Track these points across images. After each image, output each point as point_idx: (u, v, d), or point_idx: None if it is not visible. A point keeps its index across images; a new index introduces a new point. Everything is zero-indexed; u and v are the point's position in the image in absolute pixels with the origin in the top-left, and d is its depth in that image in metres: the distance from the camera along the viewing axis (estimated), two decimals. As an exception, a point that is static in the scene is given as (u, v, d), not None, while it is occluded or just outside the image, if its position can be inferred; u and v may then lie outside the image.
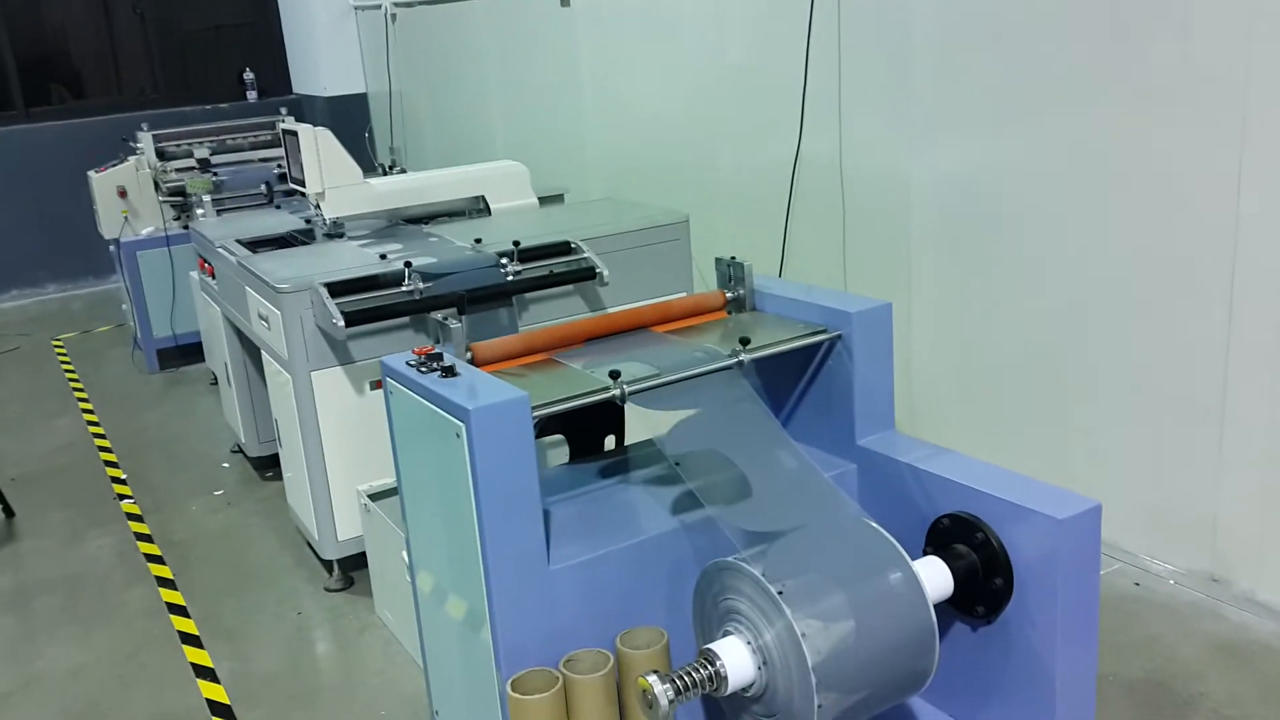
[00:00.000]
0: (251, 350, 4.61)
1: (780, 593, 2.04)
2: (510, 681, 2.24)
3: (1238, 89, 3.14)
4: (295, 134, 4.20)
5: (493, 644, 2.29)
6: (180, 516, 4.79)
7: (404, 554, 2.76)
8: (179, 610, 4.00)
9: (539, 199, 4.84)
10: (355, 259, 3.93)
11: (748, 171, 5.18)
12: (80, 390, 6.68)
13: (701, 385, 2.47)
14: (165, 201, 6.45)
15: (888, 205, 4.41)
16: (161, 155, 6.73)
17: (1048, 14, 3.63)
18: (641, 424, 2.80)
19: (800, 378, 2.77)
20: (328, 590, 4.02)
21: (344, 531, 3.88)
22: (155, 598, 4.10)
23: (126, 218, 6.54)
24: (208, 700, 3.43)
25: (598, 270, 3.88)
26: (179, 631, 3.85)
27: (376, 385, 3.72)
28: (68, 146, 8.96)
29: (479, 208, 4.76)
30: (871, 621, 2.09)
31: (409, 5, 8.49)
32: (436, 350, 2.45)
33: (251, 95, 10.05)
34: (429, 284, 3.65)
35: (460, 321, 2.53)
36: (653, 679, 2.00)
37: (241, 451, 5.22)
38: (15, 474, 5.42)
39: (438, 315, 2.57)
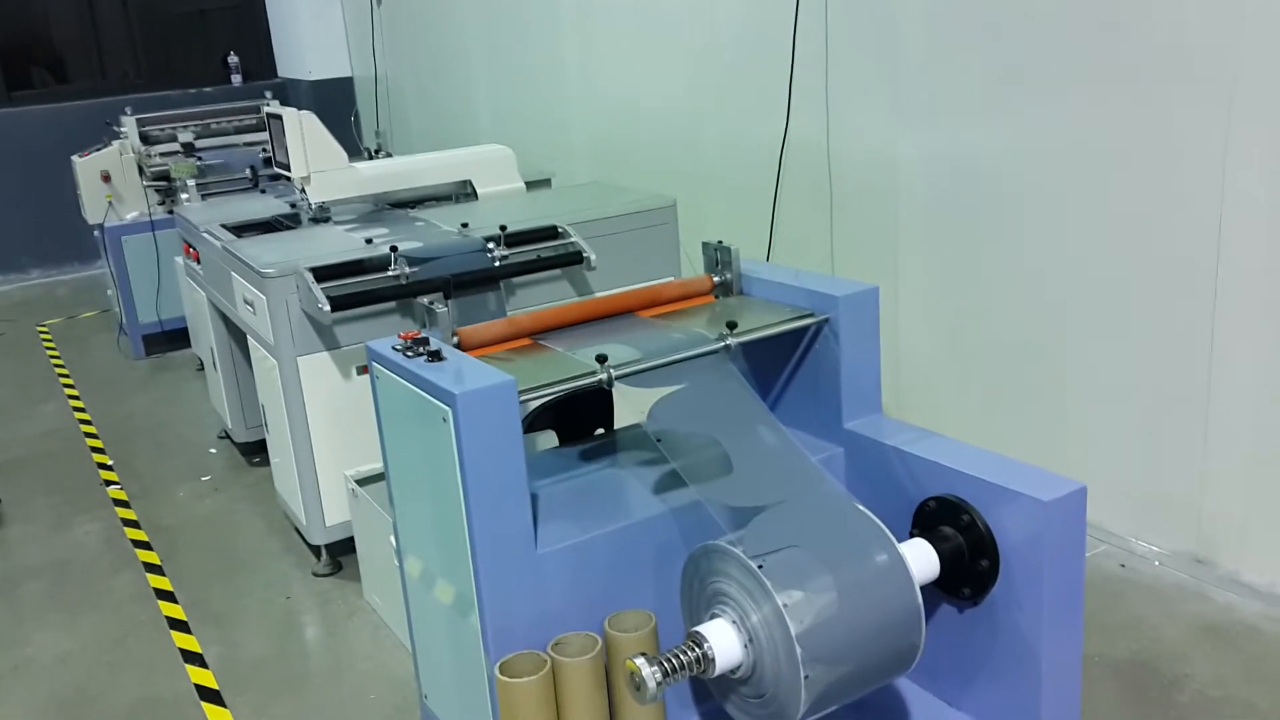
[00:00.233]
0: (238, 335, 4.59)
1: (760, 566, 2.05)
2: (499, 665, 2.25)
3: (1226, 73, 3.14)
4: (280, 118, 4.17)
5: (481, 628, 2.29)
6: (167, 502, 4.78)
7: (392, 539, 2.77)
8: (167, 596, 3.99)
9: (525, 183, 4.83)
10: (341, 243, 3.92)
11: (735, 155, 5.17)
12: (66, 376, 6.65)
13: (689, 369, 2.48)
14: (149, 186, 6.41)
15: (875, 188, 4.41)
16: (145, 139, 6.69)
17: (1035, -4, 3.63)
18: (632, 414, 2.80)
19: (787, 362, 2.77)
20: (316, 575, 4.02)
21: (332, 517, 3.87)
22: (143, 583, 4.10)
23: (110, 202, 6.51)
24: (196, 685, 3.43)
25: (585, 255, 3.88)
26: (167, 617, 3.84)
27: (363, 370, 3.71)
28: (51, 131, 8.90)
29: (466, 192, 4.75)
30: (857, 601, 2.10)
31: (394, -12, 8.45)
32: (422, 335, 2.45)
33: (236, 79, 9.99)
34: (415, 268, 3.63)
35: (446, 306, 2.53)
36: (641, 661, 2.00)
37: (228, 437, 5.21)
38: (1, 460, 5.39)
39: (424, 300, 2.58)
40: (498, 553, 2.25)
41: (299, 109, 4.22)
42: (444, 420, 2.21)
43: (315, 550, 4.04)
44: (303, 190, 4.30)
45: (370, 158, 5.42)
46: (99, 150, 6.58)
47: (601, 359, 2.38)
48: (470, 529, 2.23)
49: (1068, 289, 3.74)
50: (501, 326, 2.62)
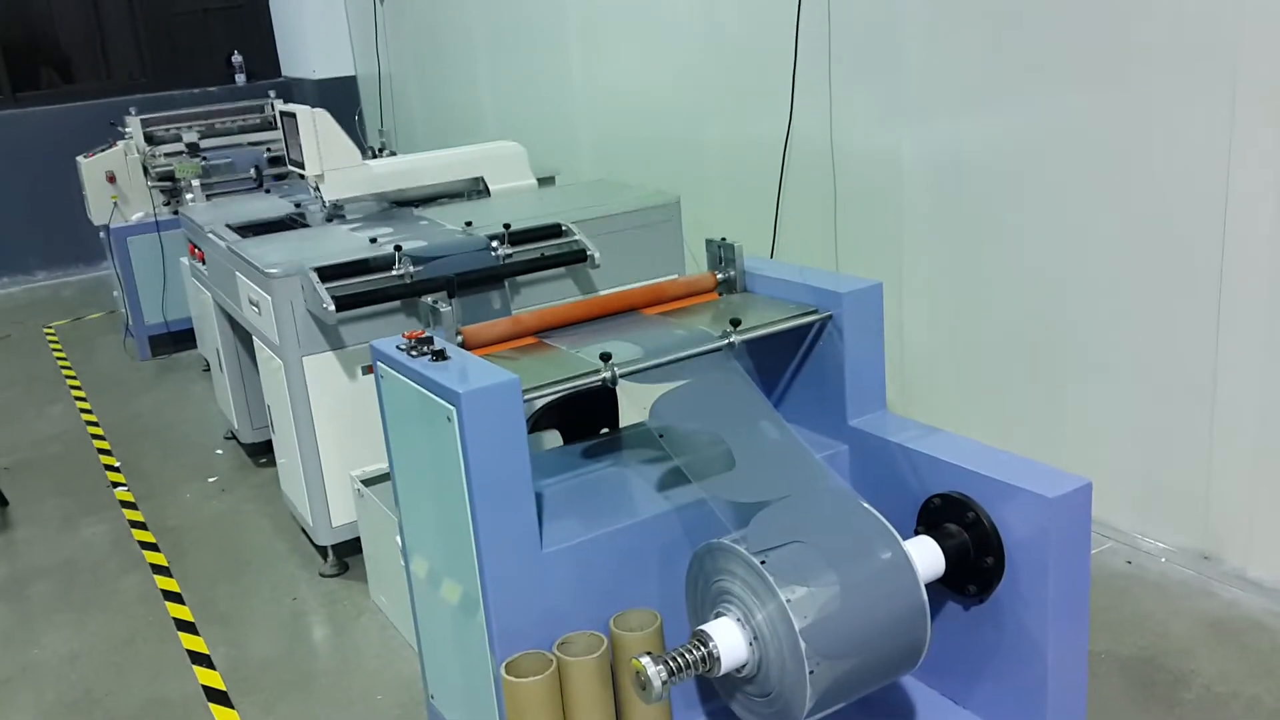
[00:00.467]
0: (243, 336, 4.60)
1: (763, 562, 2.05)
2: (505, 664, 2.25)
3: (1228, 66, 3.13)
4: (294, 116, 4.18)
5: (487, 627, 2.29)
6: (174, 503, 4.79)
7: (398, 539, 2.77)
8: (174, 597, 4.00)
9: (532, 180, 4.83)
10: (345, 243, 3.92)
11: (739, 152, 5.17)
12: (73, 378, 6.66)
13: (693, 367, 2.47)
14: (154, 186, 6.42)
15: (879, 185, 4.41)
16: (150, 140, 6.70)
17: (1038, -9, 3.62)
18: (636, 413, 2.80)
19: (792, 359, 2.77)
20: (322, 576, 4.02)
21: (338, 517, 3.88)
22: (150, 584, 4.10)
23: (116, 203, 6.52)
24: (203, 686, 3.43)
25: (589, 253, 3.88)
26: (174, 618, 3.85)
27: (368, 370, 3.71)
28: (55, 132, 8.91)
29: (478, 189, 4.76)
30: (861, 598, 2.10)
31: (398, -13, 8.45)
32: (427, 334, 2.45)
33: (240, 79, 10.00)
34: (419, 268, 3.64)
35: (451, 305, 2.53)
36: (646, 661, 2.00)
37: (235, 438, 5.22)
38: (9, 462, 5.41)
39: (428, 299, 2.57)
40: (503, 552, 2.25)
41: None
42: (448, 419, 2.21)
43: (322, 551, 4.05)
44: (316, 188, 4.31)
45: (374, 156, 5.42)
46: (104, 151, 6.60)
47: (605, 357, 2.37)
48: (475, 528, 2.23)
49: (1072, 284, 3.73)
50: (506, 325, 2.63)
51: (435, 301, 2.55)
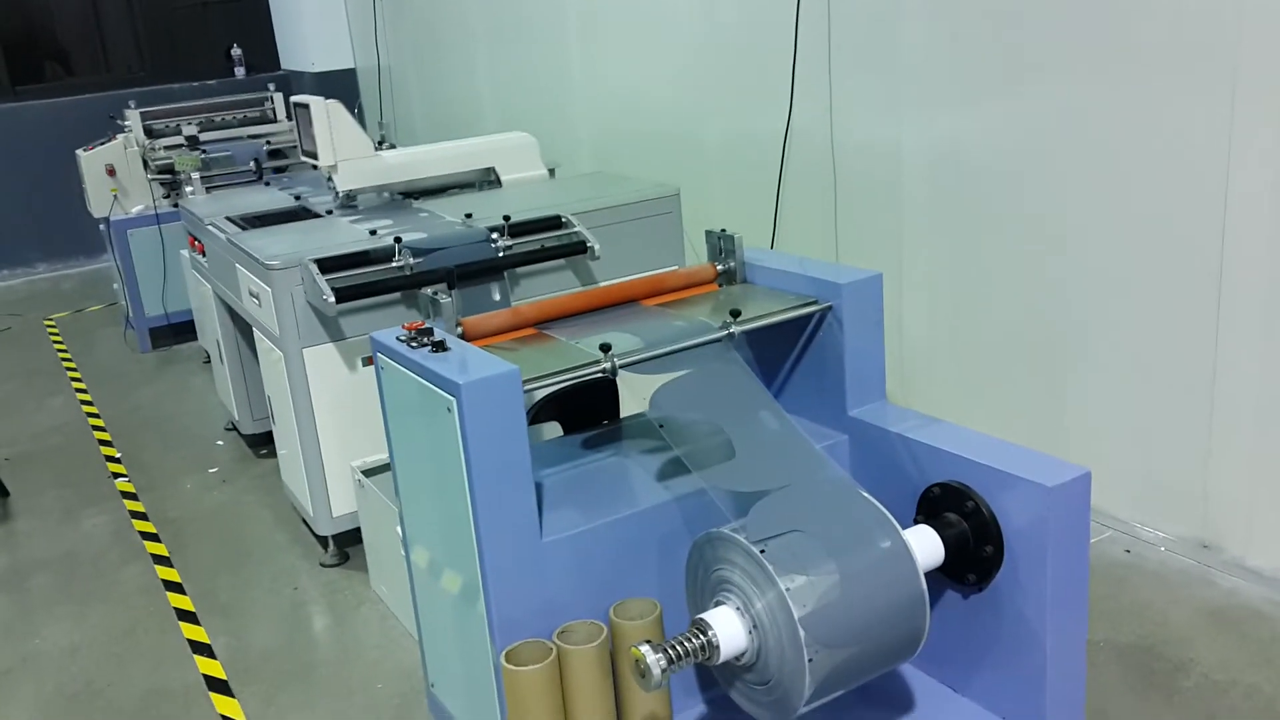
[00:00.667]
0: (243, 328, 4.60)
1: (763, 551, 2.05)
2: (505, 653, 2.26)
3: (1229, 59, 3.13)
4: (308, 107, 4.19)
5: (487, 616, 2.30)
6: (175, 494, 4.80)
7: (398, 529, 2.77)
8: (175, 587, 4.01)
9: (530, 173, 4.84)
10: (345, 235, 3.92)
11: (739, 143, 5.17)
12: (73, 370, 6.67)
13: (693, 358, 2.48)
14: (154, 179, 6.42)
15: (879, 176, 4.41)
16: (149, 133, 6.70)
17: (1038, -18, 3.62)
18: (636, 404, 2.80)
19: (792, 350, 2.77)
20: (323, 566, 4.03)
21: (338, 507, 3.88)
22: (151, 575, 4.11)
23: (116, 196, 6.52)
24: (204, 676, 3.44)
25: (589, 244, 3.88)
26: (175, 608, 3.86)
27: (368, 361, 3.72)
28: (55, 125, 8.91)
29: (489, 180, 4.76)
30: (861, 586, 2.10)
31: (397, -21, 8.44)
32: (427, 325, 2.45)
33: (239, 72, 9.99)
34: (419, 259, 3.64)
35: (451, 296, 2.53)
36: (645, 649, 2.01)
37: (235, 429, 5.22)
38: (9, 454, 5.42)
39: (428, 290, 2.57)
40: (503, 542, 2.26)
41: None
42: (449, 410, 2.21)
43: (322, 541, 4.06)
44: (329, 178, 4.32)
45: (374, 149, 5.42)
46: (103, 144, 6.59)
47: (605, 348, 2.38)
48: (475, 518, 2.24)
49: (1071, 275, 3.74)
50: (505, 317, 2.63)
51: (435, 293, 2.55)
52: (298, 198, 4.81)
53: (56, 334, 7.52)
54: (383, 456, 3.64)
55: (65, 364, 6.80)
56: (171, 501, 4.73)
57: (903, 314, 4.42)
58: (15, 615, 3.92)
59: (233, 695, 3.33)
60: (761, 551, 2.06)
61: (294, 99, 4.36)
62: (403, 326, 2.46)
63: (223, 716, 3.24)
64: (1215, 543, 3.52)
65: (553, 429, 3.14)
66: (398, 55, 8.77)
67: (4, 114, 9.18)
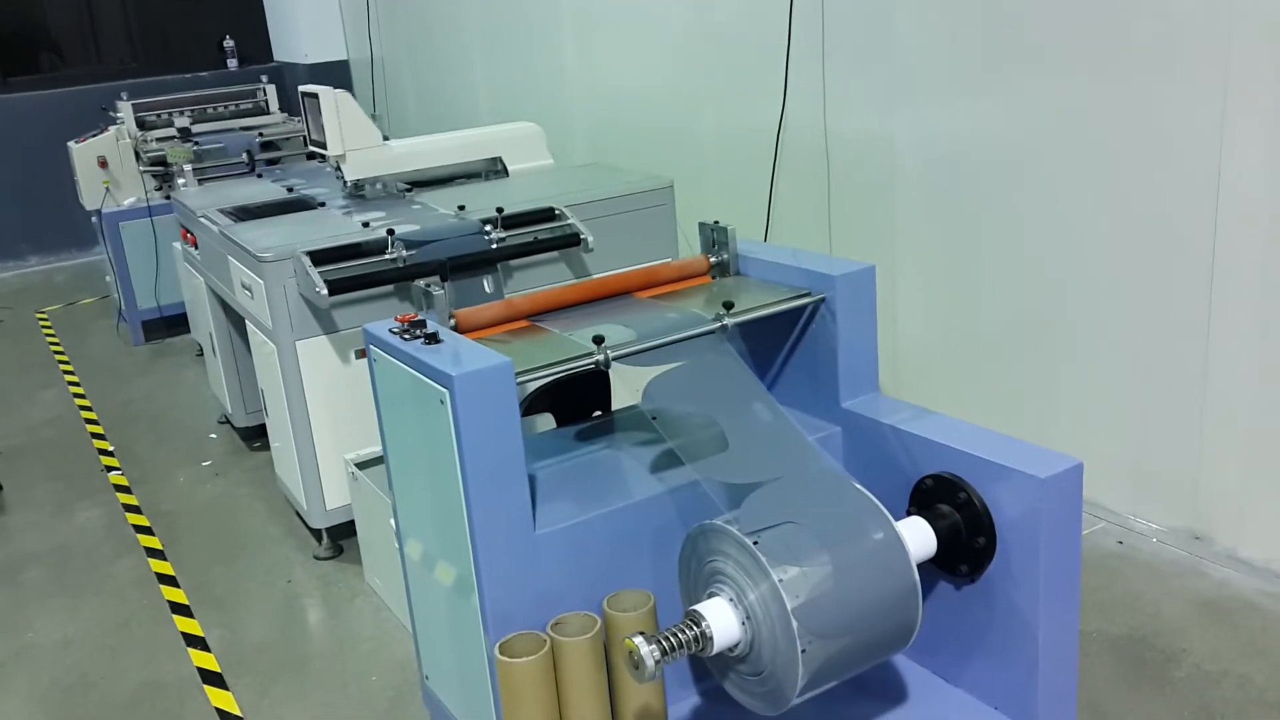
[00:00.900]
0: (236, 320, 4.59)
1: (756, 542, 2.05)
2: (498, 645, 2.26)
3: (1221, 56, 3.13)
4: (316, 97, 4.19)
5: (481, 609, 2.30)
6: (168, 487, 4.79)
7: (392, 521, 2.77)
8: (168, 580, 4.01)
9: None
10: (338, 227, 3.92)
11: (732, 135, 5.16)
12: (66, 363, 6.65)
13: (685, 349, 2.48)
14: (146, 171, 6.40)
15: (873, 169, 4.40)
16: (141, 125, 6.68)
17: (1031, -27, 3.62)
18: (629, 395, 2.80)
19: (785, 342, 2.77)
20: (317, 559, 4.03)
21: (332, 500, 3.88)
22: (145, 568, 4.11)
23: (108, 188, 6.50)
24: (198, 669, 3.44)
25: (582, 236, 3.88)
26: (169, 601, 3.86)
27: (362, 354, 3.72)
28: (47, 117, 8.88)
29: (495, 169, 4.76)
30: (853, 577, 2.11)
31: (390, -30, 8.41)
32: (419, 317, 2.45)
33: (232, 63, 9.96)
34: (412, 251, 3.63)
35: (444, 289, 2.52)
36: (639, 640, 2.01)
37: (229, 422, 5.22)
38: (2, 447, 5.41)
39: (421, 283, 2.56)
40: (496, 534, 2.26)
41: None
42: (441, 402, 2.21)
43: (316, 534, 4.06)
44: (337, 168, 4.32)
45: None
46: (95, 136, 6.56)
47: (598, 340, 2.38)
48: (469, 511, 2.24)
49: (1064, 266, 3.74)
50: (499, 309, 2.63)
51: (428, 285, 2.55)
52: (290, 189, 4.80)
53: (49, 327, 7.50)
54: (376, 449, 3.63)
55: (58, 357, 6.78)
56: (165, 494, 4.72)
57: (896, 306, 4.42)
58: (9, 609, 3.92)
59: (227, 688, 3.34)
60: (755, 543, 2.06)
61: (302, 89, 4.36)
62: (395, 319, 2.46)
63: (217, 709, 3.24)
64: (1207, 534, 3.53)
65: (545, 420, 3.14)
66: (391, 47, 8.74)
67: (-5, 105, 9.15)
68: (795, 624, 2.00)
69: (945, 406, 2.98)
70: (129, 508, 4.63)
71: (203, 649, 3.55)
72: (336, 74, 9.41)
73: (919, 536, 2.31)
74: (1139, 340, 3.57)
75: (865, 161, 4.43)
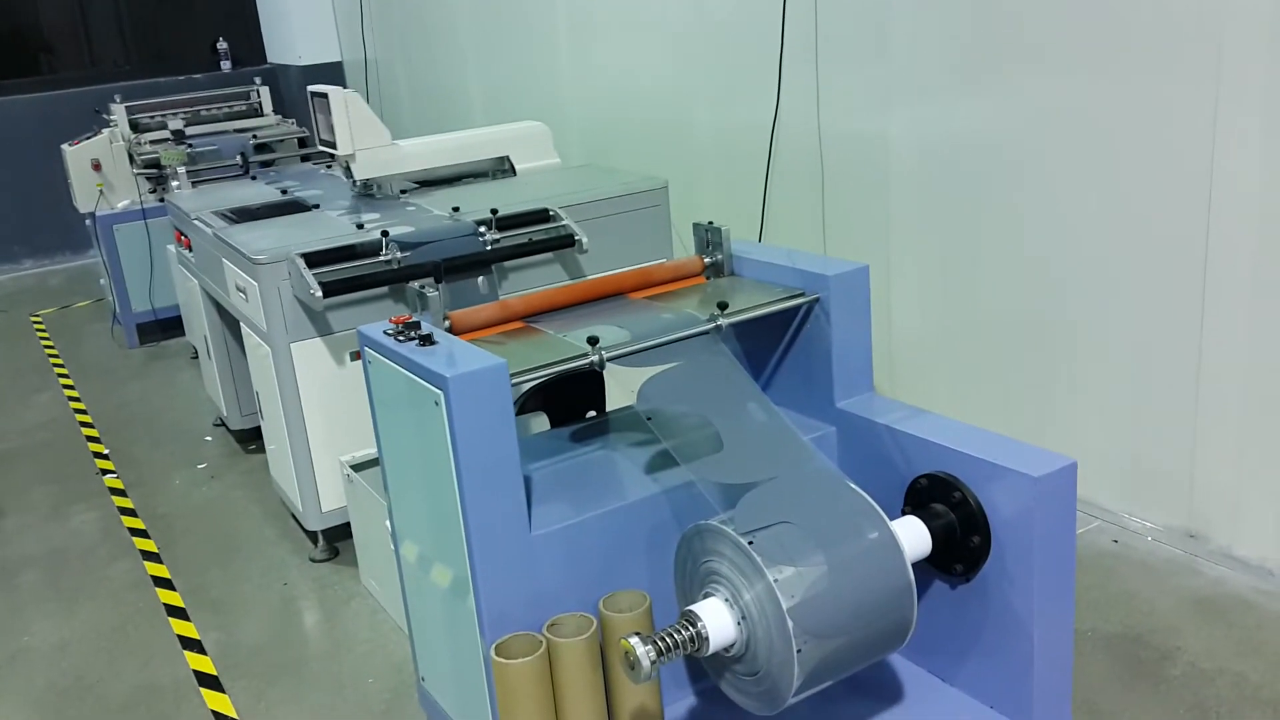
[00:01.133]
0: (231, 323, 4.59)
1: (750, 542, 2.06)
2: (494, 646, 2.26)
3: (1213, 52, 3.14)
4: (325, 96, 4.19)
5: (476, 610, 2.30)
6: (164, 490, 4.79)
7: (387, 523, 2.77)
8: (164, 583, 4.00)
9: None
10: (332, 229, 3.91)
11: (726, 136, 5.17)
12: (60, 366, 6.64)
13: (680, 350, 2.48)
14: (140, 174, 6.39)
15: (867, 168, 4.41)
16: (135, 127, 6.67)
17: (1024, -27, 3.62)
18: (624, 396, 2.80)
19: (779, 342, 2.78)
20: (313, 561, 4.03)
21: (328, 502, 3.88)
22: (140, 571, 4.11)
23: (101, 191, 6.49)
24: (194, 671, 3.44)
25: (576, 238, 3.88)
26: (164, 604, 3.86)
27: (356, 356, 3.71)
28: (40, 119, 8.86)
29: (502, 169, 4.77)
30: (848, 577, 2.11)
31: (383, -28, 8.40)
32: (414, 319, 2.45)
33: (225, 65, 9.94)
34: (406, 253, 3.63)
35: (438, 290, 2.53)
36: (635, 641, 2.01)
37: (224, 425, 5.21)
38: (-4, 450, 5.41)
39: (416, 284, 2.57)
40: (492, 535, 2.26)
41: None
42: (436, 404, 2.21)
43: (312, 536, 4.05)
44: (347, 167, 4.32)
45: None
46: (89, 139, 6.55)
47: (593, 341, 2.38)
48: (464, 512, 2.24)
49: (1058, 266, 3.75)
50: (493, 310, 2.63)
51: (423, 287, 2.55)
52: (285, 191, 4.80)
53: (43, 330, 7.49)
54: (371, 451, 3.64)
55: (52, 360, 6.77)
56: (160, 497, 4.72)
57: (891, 305, 4.42)
58: (4, 612, 3.91)
59: (223, 690, 3.33)
60: (750, 543, 2.07)
61: (311, 88, 4.37)
62: (390, 320, 2.46)
63: (213, 712, 3.24)
64: (1202, 532, 3.54)
65: (539, 420, 3.15)
66: (385, 48, 8.73)
67: (-12, 108, 9.13)
68: (790, 624, 2.00)
69: (940, 406, 2.98)
70: (124, 510, 4.62)
71: (199, 651, 3.54)
72: (330, 75, 9.39)
73: (914, 536, 2.31)
74: (1134, 339, 3.58)
75: (860, 160, 4.44)
